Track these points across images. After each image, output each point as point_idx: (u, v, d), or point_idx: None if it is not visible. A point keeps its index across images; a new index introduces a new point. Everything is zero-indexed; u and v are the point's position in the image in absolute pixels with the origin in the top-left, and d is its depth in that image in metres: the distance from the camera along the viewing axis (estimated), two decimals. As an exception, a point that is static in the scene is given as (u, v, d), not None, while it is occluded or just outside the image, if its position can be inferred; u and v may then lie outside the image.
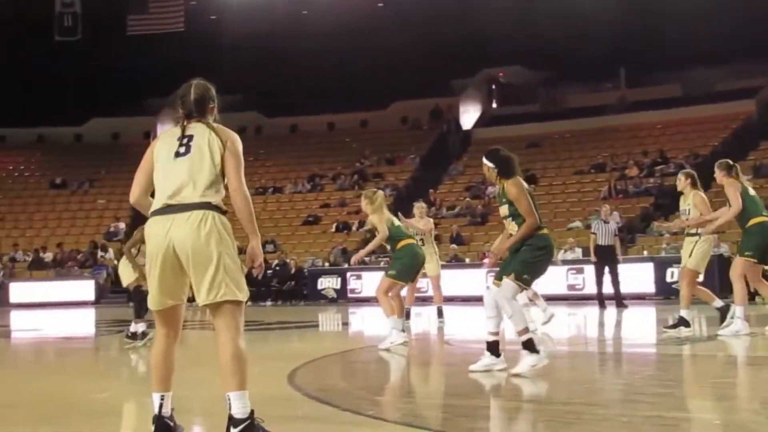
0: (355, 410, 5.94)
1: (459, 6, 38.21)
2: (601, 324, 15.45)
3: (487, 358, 7.89)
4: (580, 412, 5.78)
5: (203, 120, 5.10)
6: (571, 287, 23.36)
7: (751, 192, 11.32)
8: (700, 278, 12.16)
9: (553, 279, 23.26)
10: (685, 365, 8.99)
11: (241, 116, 40.70)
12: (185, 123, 5.11)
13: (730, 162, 11.48)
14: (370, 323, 18.65)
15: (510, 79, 43.54)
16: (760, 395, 6.63)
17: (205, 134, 5.00)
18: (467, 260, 27.14)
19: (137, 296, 11.56)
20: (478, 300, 23.81)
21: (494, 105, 43.04)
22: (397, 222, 11.55)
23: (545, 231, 7.91)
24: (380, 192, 11.62)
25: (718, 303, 11.70)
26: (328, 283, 27.71)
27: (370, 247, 12.05)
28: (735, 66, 38.13)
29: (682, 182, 11.74)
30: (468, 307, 21.97)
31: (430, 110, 41.54)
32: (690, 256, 11.61)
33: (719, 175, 11.37)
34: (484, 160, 8.09)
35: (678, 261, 21.72)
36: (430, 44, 38.54)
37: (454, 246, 27.68)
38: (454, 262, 26.42)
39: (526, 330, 7.69)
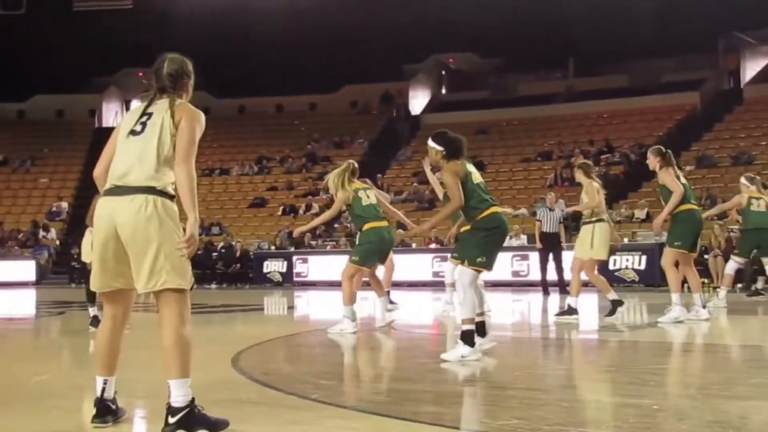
0: (299, 394, 5.94)
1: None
2: (545, 310, 15.58)
3: (460, 348, 7.70)
4: (522, 397, 5.84)
5: (171, 95, 4.91)
6: (515, 273, 23.56)
7: (683, 179, 11.45)
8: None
9: (498, 265, 23.46)
10: (625, 351, 9.11)
11: (189, 96, 40.23)
12: (153, 98, 4.94)
13: (662, 148, 11.57)
14: (316, 307, 18.65)
15: (460, 65, 43.68)
16: (696, 381, 6.75)
17: (162, 112, 4.83)
18: (414, 245, 27.21)
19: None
20: (424, 285, 23.96)
21: (444, 91, 43.14)
22: (366, 201, 10.84)
23: (494, 210, 7.88)
24: (348, 163, 11.18)
25: (613, 295, 11.84)
26: (273, 267, 27.65)
27: (314, 222, 11.78)
28: (680, 58, 38.65)
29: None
30: (414, 292, 22.06)
31: (380, 95, 41.54)
32: (591, 245, 11.60)
33: (653, 161, 11.43)
34: (430, 143, 8.03)
35: (621, 249, 22.10)
36: (382, 28, 38.50)
37: (400, 231, 27.68)
38: (401, 247, 26.45)
39: (471, 321, 7.67)
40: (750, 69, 36.89)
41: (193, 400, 4.65)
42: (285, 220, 32.56)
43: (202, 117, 4.95)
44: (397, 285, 24.86)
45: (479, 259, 7.77)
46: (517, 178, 32.78)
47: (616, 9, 36.48)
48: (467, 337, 7.59)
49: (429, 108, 41.46)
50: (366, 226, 10.74)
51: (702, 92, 35.63)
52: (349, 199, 10.76)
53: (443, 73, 43.57)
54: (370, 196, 10.94)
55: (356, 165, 11.14)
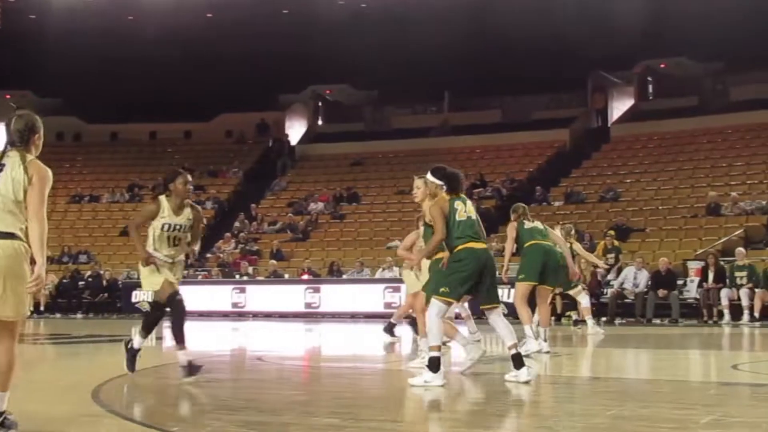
0: (159, 427, 5.84)
1: (288, 22, 38.28)
2: (415, 341, 15.68)
3: (514, 371, 8.26)
4: (388, 429, 5.87)
5: (21, 150, 5.34)
6: (387, 305, 23.68)
7: (527, 225, 11.99)
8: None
9: (371, 297, 23.60)
10: (492, 384, 9.24)
11: (60, 121, 39.38)
12: (5, 151, 5.37)
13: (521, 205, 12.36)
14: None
15: (337, 97, 43.88)
16: (555, 413, 6.88)
17: (16, 166, 5.27)
18: (287, 276, 27.12)
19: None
20: (296, 315, 23.84)
21: (320, 122, 43.27)
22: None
23: (469, 245, 8.24)
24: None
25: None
26: (143, 296, 27.10)
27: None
28: (551, 96, 39.73)
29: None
30: (287, 323, 21.96)
31: (255, 124, 41.38)
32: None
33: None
34: (429, 176, 8.57)
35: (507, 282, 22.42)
36: (259, 58, 38.40)
37: (273, 261, 27.61)
38: (273, 277, 26.35)
39: (438, 348, 8.14)
40: (617, 108, 38.15)
41: (4, 412, 5.10)
42: (156, 249, 31.98)
43: (50, 173, 5.37)
44: (269, 315, 24.76)
45: (442, 290, 8.16)
46: (392, 210, 33.03)
47: (491, 45, 37.29)
48: (432, 364, 8.03)
49: (305, 139, 41.50)
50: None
51: (571, 130, 36.63)
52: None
53: (320, 104, 43.69)
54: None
55: None
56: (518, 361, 8.25)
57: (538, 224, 12.19)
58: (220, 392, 8.51)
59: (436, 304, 8.18)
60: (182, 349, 8.76)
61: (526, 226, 11.97)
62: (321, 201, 33.84)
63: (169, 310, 8.84)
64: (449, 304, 8.30)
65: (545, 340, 11.99)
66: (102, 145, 41.48)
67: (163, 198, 8.93)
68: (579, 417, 6.40)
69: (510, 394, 7.99)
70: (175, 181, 8.85)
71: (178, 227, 8.97)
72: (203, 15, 38.41)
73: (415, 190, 9.40)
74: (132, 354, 8.95)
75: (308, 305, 24.33)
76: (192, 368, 8.67)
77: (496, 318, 8.47)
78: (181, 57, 38.30)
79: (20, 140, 5.38)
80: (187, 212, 8.94)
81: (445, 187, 8.40)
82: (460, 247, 8.24)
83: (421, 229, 9.65)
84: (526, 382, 8.08)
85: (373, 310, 23.04)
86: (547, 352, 11.68)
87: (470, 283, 8.27)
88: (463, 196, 8.54)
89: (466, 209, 8.41)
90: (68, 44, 36.92)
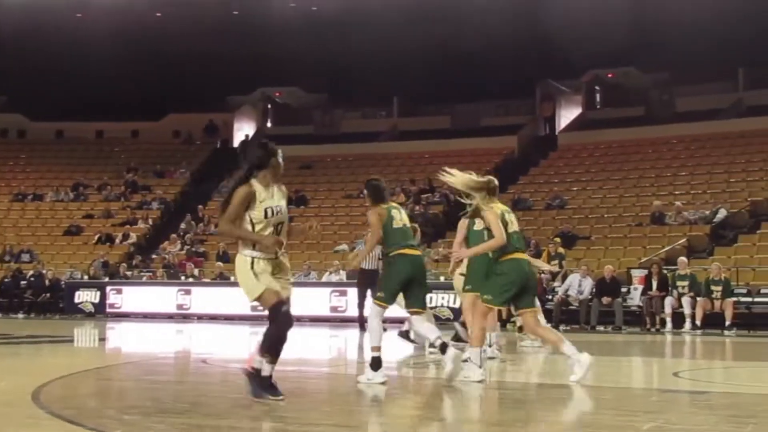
0: (101, 429, 5.77)
1: (239, 23, 38.10)
2: (361, 347, 15.69)
3: (368, 372, 8.72)
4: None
5: None
6: (333, 309, 23.65)
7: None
8: None
9: (317, 301, 23.54)
10: (429, 388, 9.27)
11: (4, 118, 38.84)
12: None
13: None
14: (129, 339, 18.19)
15: (286, 99, 43.76)
16: (502, 419, 6.91)
17: None
18: (233, 278, 26.93)
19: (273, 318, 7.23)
20: (242, 318, 23.74)
21: (269, 124, 43.11)
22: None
23: (403, 251, 8.77)
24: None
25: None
26: (86, 297, 26.79)
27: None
28: (500, 103, 40.00)
29: None
30: (233, 326, 21.82)
31: (204, 125, 41.12)
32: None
33: None
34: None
35: (438, 287, 22.58)
36: (208, 58, 38.15)
37: (219, 263, 27.41)
38: (220, 279, 26.18)
39: (377, 349, 8.66)
40: (565, 117, 38.51)
41: None
42: (100, 249, 31.63)
43: None
44: (213, 318, 24.59)
45: (379, 294, 8.82)
46: (340, 214, 33.00)
47: (441, 51, 37.42)
48: (374, 363, 8.60)
49: (253, 141, 41.31)
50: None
51: (519, 137, 36.88)
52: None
53: (269, 106, 43.54)
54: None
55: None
56: (443, 348, 8.64)
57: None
58: (163, 395, 8.43)
59: (374, 308, 8.78)
60: (271, 363, 7.15)
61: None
62: (268, 203, 33.68)
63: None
64: (385, 308, 8.78)
65: (490, 345, 12.02)
66: (47, 143, 40.91)
67: (254, 181, 7.33)
68: (521, 423, 6.44)
69: (452, 399, 8.02)
70: (275, 156, 7.39)
71: (278, 210, 7.31)
72: (153, 14, 38.10)
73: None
74: (261, 382, 7.19)
75: (254, 308, 24.14)
76: (262, 386, 7.19)
77: (420, 322, 9.04)
78: (130, 56, 37.90)
79: None
80: (281, 191, 7.39)
81: (371, 198, 8.94)
82: (394, 253, 8.74)
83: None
84: (449, 379, 8.53)
85: (319, 314, 22.99)
86: (492, 358, 11.74)
87: (403, 287, 8.85)
88: (395, 205, 9.14)
89: (401, 217, 8.95)
90: (13, 40, 36.44)
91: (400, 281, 8.76)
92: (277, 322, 7.11)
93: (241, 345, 15.53)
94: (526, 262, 8.82)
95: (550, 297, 21.94)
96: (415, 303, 8.92)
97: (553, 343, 9.14)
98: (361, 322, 19.23)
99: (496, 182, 9.17)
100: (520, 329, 18.26)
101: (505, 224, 8.74)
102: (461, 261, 10.10)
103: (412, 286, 8.82)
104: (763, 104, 33.26)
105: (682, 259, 21.59)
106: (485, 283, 8.95)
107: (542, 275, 22.14)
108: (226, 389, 9.07)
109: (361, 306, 19.24)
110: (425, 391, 9.11)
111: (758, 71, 35.47)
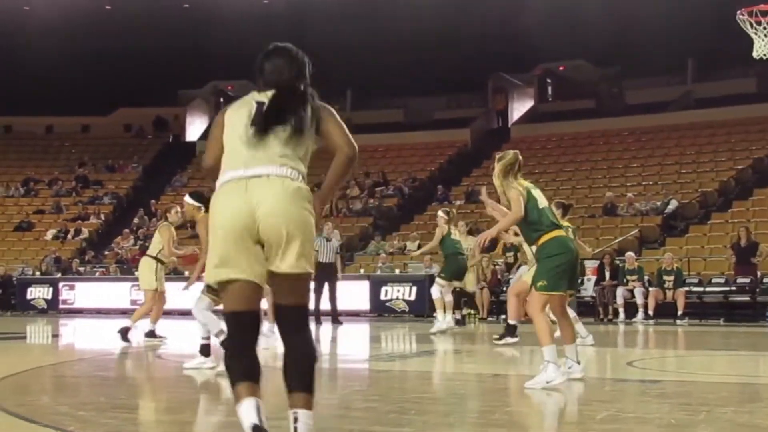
0: (55, 426, 5.71)
1: (189, 16, 37.84)
2: (318, 340, 15.66)
3: (199, 358, 9.41)
4: (278, 426, 5.84)
5: None
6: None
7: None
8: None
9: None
10: (391, 381, 9.29)
11: (-49, 113, 38.18)
12: None
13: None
14: (82, 335, 18.01)
15: (238, 92, 43.37)
16: (455, 410, 6.96)
17: None
18: (186, 273, 26.74)
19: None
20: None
21: (221, 118, 42.86)
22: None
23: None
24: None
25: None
26: (38, 293, 26.46)
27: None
28: (452, 97, 40.13)
29: None
30: (188, 321, 21.67)
31: (154, 119, 40.80)
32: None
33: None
34: (188, 199, 9.95)
35: (392, 280, 22.65)
36: (158, 52, 37.87)
37: (173, 259, 27.16)
38: (173, 274, 25.94)
39: (208, 338, 9.31)
40: (517, 109, 38.73)
41: None
42: (53, 245, 31.29)
43: None
44: (168, 313, 24.39)
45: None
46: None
47: (393, 45, 37.46)
48: (205, 351, 9.36)
49: (205, 135, 41.06)
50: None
51: (472, 129, 37.03)
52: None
53: (221, 100, 43.26)
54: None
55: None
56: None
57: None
58: (117, 391, 8.36)
59: (202, 300, 9.24)
60: None
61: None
62: (222, 197, 33.55)
63: None
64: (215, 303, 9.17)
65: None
66: (-5, 137, 40.39)
67: None
68: (476, 414, 6.48)
69: (413, 391, 8.04)
70: None
71: None
72: (102, 7, 37.71)
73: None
74: None
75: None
76: None
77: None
78: (79, 49, 37.52)
79: None
80: None
81: (203, 208, 9.68)
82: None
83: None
84: None
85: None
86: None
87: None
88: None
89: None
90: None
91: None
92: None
93: (195, 340, 15.43)
94: (568, 238, 8.21)
95: (503, 288, 22.03)
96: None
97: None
98: (318, 315, 19.18)
99: (520, 157, 8.12)
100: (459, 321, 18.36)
101: (534, 201, 7.96)
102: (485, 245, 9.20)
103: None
104: (712, 96, 33.70)
105: (630, 254, 21.81)
106: (535, 271, 8.16)
107: (496, 267, 22.29)
108: (181, 384, 9.02)
109: (318, 299, 19.15)
110: (372, 381, 9.11)
111: (707, 63, 35.96)
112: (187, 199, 10.25)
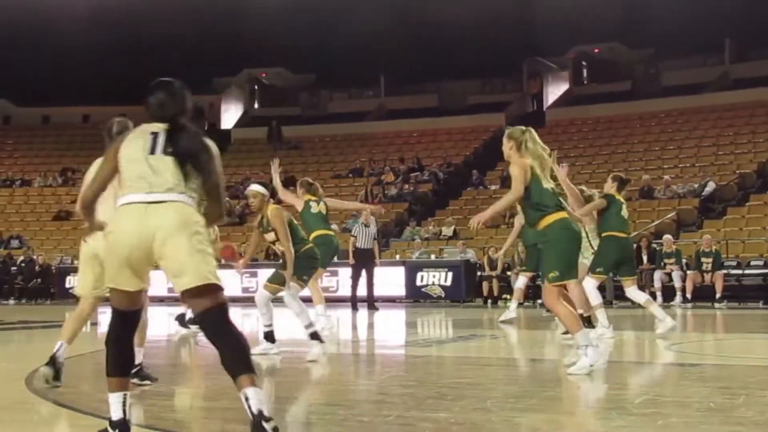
0: (94, 413, 5.77)
1: (224, 4, 37.92)
2: (354, 326, 15.72)
3: (264, 344, 9.41)
4: (322, 413, 5.87)
5: None
6: (324, 289, 23.59)
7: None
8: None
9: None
10: (428, 366, 9.29)
11: (-12, 103, 38.59)
12: None
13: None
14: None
15: (272, 80, 43.63)
16: (492, 395, 6.95)
17: None
18: (222, 261, 26.89)
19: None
20: (233, 301, 23.76)
21: (256, 106, 42.98)
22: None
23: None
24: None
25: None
26: (77, 282, 26.70)
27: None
28: (487, 81, 39.95)
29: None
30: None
31: (192, 106, 41.00)
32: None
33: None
34: (259, 188, 9.57)
35: (428, 265, 22.62)
36: (194, 40, 38.03)
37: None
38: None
39: (310, 325, 9.23)
40: (552, 93, 38.52)
41: None
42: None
43: None
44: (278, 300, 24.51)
45: (304, 277, 9.57)
46: (329, 194, 32.78)
47: (427, 31, 37.36)
48: (315, 336, 9.21)
49: (240, 122, 41.21)
50: None
51: (507, 114, 36.86)
52: None
53: (256, 87, 43.40)
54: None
55: None
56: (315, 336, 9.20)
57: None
58: (156, 377, 8.43)
59: (293, 287, 9.39)
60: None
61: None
62: (257, 185, 33.68)
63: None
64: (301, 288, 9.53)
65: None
66: (33, 128, 40.77)
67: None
68: (514, 399, 6.46)
69: (449, 377, 8.04)
70: None
71: None
72: (137, -4, 37.92)
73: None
74: None
75: (245, 290, 24.17)
76: None
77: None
78: (114, 39, 37.74)
79: None
80: None
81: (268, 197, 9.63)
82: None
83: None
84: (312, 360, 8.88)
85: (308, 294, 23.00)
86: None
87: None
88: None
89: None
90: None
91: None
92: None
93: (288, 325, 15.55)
94: (571, 221, 7.84)
95: (539, 273, 21.92)
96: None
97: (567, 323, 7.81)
98: (354, 301, 19.23)
99: (528, 134, 8.00)
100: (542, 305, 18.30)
101: (538, 179, 7.66)
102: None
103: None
104: (749, 77, 33.32)
105: (668, 237, 21.63)
106: (546, 260, 7.86)
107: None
108: (219, 371, 9.06)
109: (355, 286, 19.21)
110: (408, 367, 9.12)
111: (744, 43, 35.52)
112: (259, 188, 9.63)
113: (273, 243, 9.75)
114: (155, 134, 4.82)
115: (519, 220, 13.69)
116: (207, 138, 4.93)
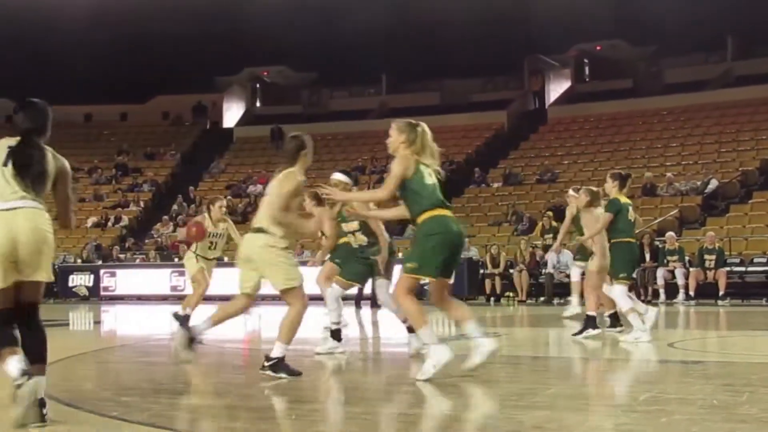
0: (98, 412, 5.77)
1: (225, 2, 37.92)
2: (360, 324, 15.71)
3: (330, 342, 9.42)
4: (327, 411, 5.86)
5: None
6: (328, 288, 23.61)
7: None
8: None
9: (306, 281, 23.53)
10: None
11: (-9, 103, 38.42)
12: None
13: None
14: (123, 322, 18.19)
15: (274, 78, 43.61)
16: (495, 392, 6.94)
17: None
18: (225, 259, 26.89)
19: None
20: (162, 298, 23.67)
21: (258, 104, 42.98)
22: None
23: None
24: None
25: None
26: (80, 280, 26.76)
27: None
28: (488, 79, 39.93)
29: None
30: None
31: (192, 106, 40.98)
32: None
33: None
34: (342, 177, 9.73)
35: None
36: (195, 39, 38.00)
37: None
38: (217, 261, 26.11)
39: (338, 323, 9.55)
40: (554, 91, 38.48)
41: None
42: (93, 233, 31.59)
43: None
44: (208, 299, 24.55)
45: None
46: (331, 193, 32.95)
47: (429, 29, 37.34)
48: (335, 335, 9.52)
49: (242, 121, 41.21)
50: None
51: (509, 112, 36.86)
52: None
53: (257, 86, 43.39)
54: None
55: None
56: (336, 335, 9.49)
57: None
58: (159, 376, 8.43)
59: (336, 287, 9.66)
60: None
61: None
62: (260, 183, 33.61)
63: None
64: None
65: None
66: (35, 127, 40.77)
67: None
68: (517, 396, 6.46)
69: (452, 374, 8.03)
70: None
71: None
72: (138, -5, 37.90)
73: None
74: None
75: (174, 288, 24.35)
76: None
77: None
78: (116, 37, 37.72)
79: None
80: None
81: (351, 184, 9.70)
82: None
83: None
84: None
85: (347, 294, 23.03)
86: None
87: None
88: None
89: None
90: (-2, 25, 36.22)
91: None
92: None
93: (236, 326, 15.51)
94: (452, 219, 7.38)
95: (541, 271, 21.95)
96: None
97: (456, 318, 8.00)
98: (359, 300, 19.20)
99: (420, 129, 7.79)
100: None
101: (421, 175, 7.37)
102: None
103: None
104: (752, 74, 33.27)
105: (671, 234, 21.62)
106: (409, 251, 7.67)
107: (535, 249, 22.18)
108: (222, 369, 9.08)
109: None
110: (416, 366, 9.12)
111: (747, 40, 35.49)
112: (341, 176, 9.74)
113: (354, 233, 9.62)
114: (10, 148, 5.55)
115: (570, 210, 13.38)
116: (52, 157, 5.80)
